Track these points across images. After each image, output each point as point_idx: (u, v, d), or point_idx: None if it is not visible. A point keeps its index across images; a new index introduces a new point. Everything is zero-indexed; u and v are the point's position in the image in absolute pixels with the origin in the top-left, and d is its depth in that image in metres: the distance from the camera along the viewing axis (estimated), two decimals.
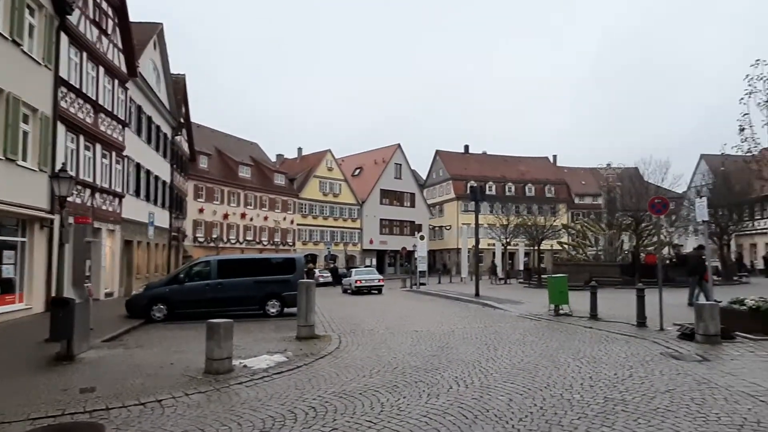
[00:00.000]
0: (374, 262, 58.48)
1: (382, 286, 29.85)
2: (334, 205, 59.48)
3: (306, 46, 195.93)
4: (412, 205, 65.31)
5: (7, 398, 6.41)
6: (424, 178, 74.48)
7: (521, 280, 35.02)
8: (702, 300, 12.89)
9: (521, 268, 42.91)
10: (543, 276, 29.97)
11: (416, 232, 50.13)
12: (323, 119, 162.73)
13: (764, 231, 36.92)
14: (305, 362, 8.58)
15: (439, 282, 38.38)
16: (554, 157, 76.89)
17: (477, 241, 24.66)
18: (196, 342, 10.54)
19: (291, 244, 54.85)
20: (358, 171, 66.22)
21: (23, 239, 15.15)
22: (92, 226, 13.10)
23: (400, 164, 64.77)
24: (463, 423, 5.33)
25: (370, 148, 68.87)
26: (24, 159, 14.83)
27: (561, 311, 14.64)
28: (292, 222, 55.83)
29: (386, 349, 9.83)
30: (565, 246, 37.77)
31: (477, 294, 22.19)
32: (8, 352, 9.62)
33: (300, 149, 67.50)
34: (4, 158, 13.59)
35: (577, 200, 70.61)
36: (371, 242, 61.51)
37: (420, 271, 34.80)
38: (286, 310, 16.39)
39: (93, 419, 5.61)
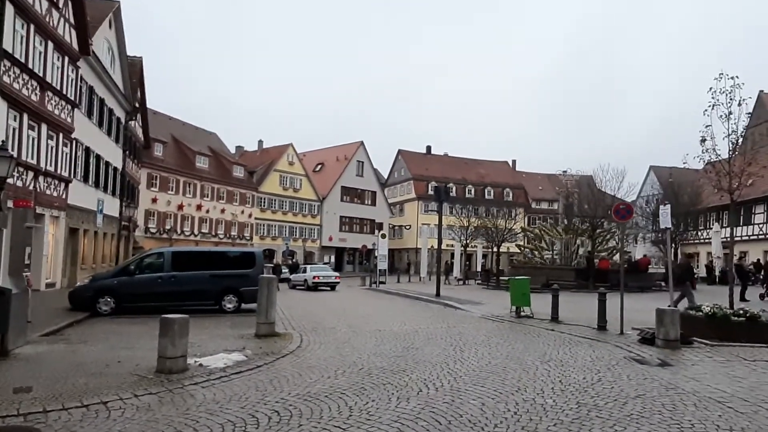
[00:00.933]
0: (333, 259, 57.91)
1: (338, 283, 30.27)
2: (294, 200, 58.49)
3: (272, 36, 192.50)
4: (373, 204, 65.03)
5: None
6: (386, 176, 74.37)
7: (479, 281, 35.35)
8: (684, 305, 13.27)
9: (479, 269, 43.39)
10: (502, 278, 30.32)
11: (376, 231, 49.91)
12: (286, 113, 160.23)
13: (707, 241, 38.76)
14: (266, 361, 8.13)
15: (398, 281, 38.30)
16: (513, 161, 78.36)
17: (440, 241, 24.62)
18: (147, 338, 9.91)
19: (248, 238, 53.54)
20: (319, 167, 65.42)
21: None
22: (34, 211, 12.13)
23: (363, 162, 64.35)
24: (437, 429, 5.07)
25: (332, 144, 68.19)
26: None
27: (522, 313, 14.69)
28: (250, 216, 54.53)
29: (350, 349, 9.49)
30: (523, 249, 38.40)
31: (438, 294, 22.13)
32: None
33: (261, 142, 66.08)
34: None
35: (534, 205, 72.25)
36: (330, 239, 60.87)
37: (380, 270, 34.65)
38: (243, 306, 15.81)
39: (27, 423, 5.03)
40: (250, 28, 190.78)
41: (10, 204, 11.99)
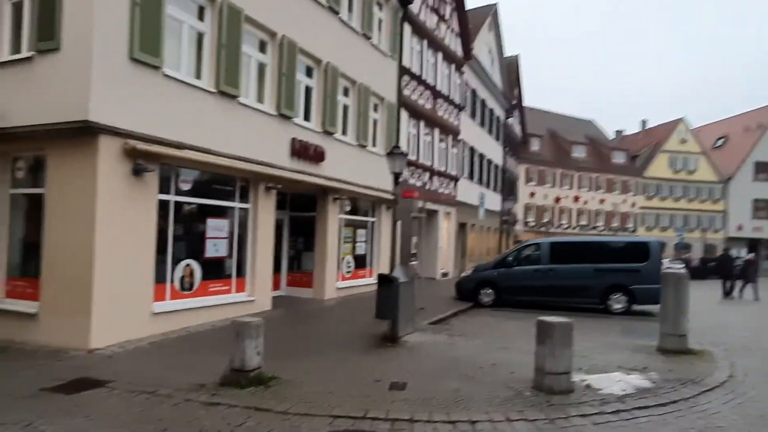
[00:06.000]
0: (744, 252, 46.02)
1: None
2: (688, 183, 49.36)
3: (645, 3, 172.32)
4: None
5: (325, 379, 6.05)
6: None
7: None
8: None
9: None
10: None
11: None
12: (671, 87, 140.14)
13: None
14: (682, 396, 5.79)
15: None
16: None
17: None
18: (524, 338, 8.87)
19: (632, 229, 48.27)
20: (721, 141, 53.32)
21: (373, 219, 16.56)
22: (420, 203, 12.95)
23: None
24: None
25: (737, 112, 54.52)
26: (374, 145, 16.08)
27: None
28: (633, 205, 49.06)
29: None
30: None
31: None
32: (347, 327, 9.96)
33: (644, 122, 58.75)
34: (356, 144, 14.88)
35: None
36: (739, 228, 48.63)
37: None
38: (634, 306, 13.28)
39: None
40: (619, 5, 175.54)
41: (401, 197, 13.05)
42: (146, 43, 8.07)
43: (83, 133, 7.50)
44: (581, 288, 13.55)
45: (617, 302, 13.43)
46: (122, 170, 7.84)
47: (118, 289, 7.73)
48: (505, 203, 33.78)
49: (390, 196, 16.25)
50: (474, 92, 26.58)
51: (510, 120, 35.04)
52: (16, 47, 8.41)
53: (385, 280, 8.33)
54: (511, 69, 34.34)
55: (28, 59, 8.00)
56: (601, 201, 47.70)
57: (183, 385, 5.66)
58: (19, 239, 8.58)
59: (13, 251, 8.57)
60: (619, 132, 59.89)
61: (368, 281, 15.57)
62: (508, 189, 34.76)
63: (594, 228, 46.99)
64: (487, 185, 29.16)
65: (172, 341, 8.02)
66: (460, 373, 6.45)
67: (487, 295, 14.35)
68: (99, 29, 7.44)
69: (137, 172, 7.97)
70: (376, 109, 16.29)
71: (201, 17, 9.49)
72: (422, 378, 6.19)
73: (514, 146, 37.97)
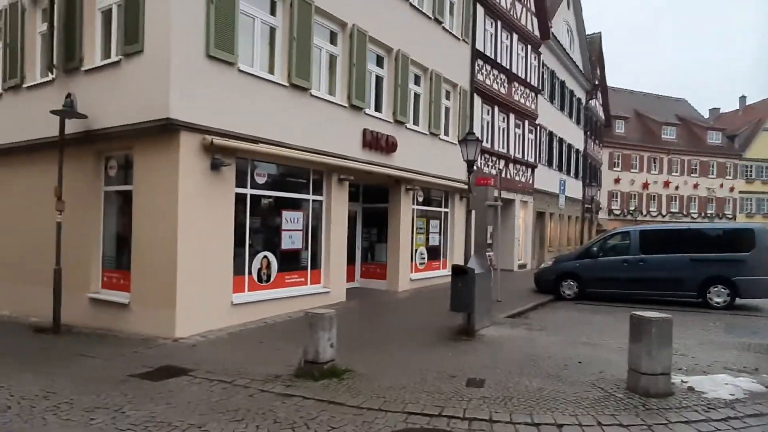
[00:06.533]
0: None
1: None
2: None
3: None
4: None
5: (399, 373, 5.89)
6: None
7: None
8: None
9: None
10: None
11: None
12: None
13: None
14: None
15: None
16: None
17: None
18: (612, 333, 8.30)
19: (730, 216, 44.26)
20: None
21: (446, 209, 16.21)
22: (498, 191, 12.44)
23: None
24: None
25: None
26: (446, 133, 15.70)
27: None
28: (731, 189, 44.95)
29: None
30: None
31: None
32: (422, 319, 9.77)
33: (743, 98, 53.56)
34: (429, 133, 14.58)
35: None
36: None
37: None
38: (738, 301, 12.06)
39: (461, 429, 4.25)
40: None
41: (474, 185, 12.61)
42: (221, 40, 8.26)
43: (165, 131, 7.81)
44: (676, 280, 12.47)
45: (717, 295, 12.23)
46: (201, 165, 8.10)
47: (200, 281, 8.01)
48: (587, 190, 32.03)
49: (463, 186, 15.82)
50: (552, 74, 25.29)
51: (592, 102, 33.10)
52: (106, 53, 8.92)
53: (459, 272, 8.03)
54: (592, 47, 32.36)
55: (116, 63, 8.45)
56: (695, 186, 44.13)
57: (259, 376, 5.73)
58: (112, 234, 9.15)
59: (107, 245, 9.16)
60: (714, 110, 54.96)
61: (442, 273, 15.29)
62: (590, 175, 32.93)
63: (686, 215, 43.59)
64: (567, 172, 27.75)
65: (250, 332, 8.22)
66: (542, 371, 6.05)
67: (569, 287, 13.59)
68: (176, 29, 7.68)
69: (215, 166, 8.20)
70: (448, 96, 15.88)
71: (273, 12, 9.59)
72: (501, 374, 5.86)
73: (597, 129, 35.88)
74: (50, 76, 9.57)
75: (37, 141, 9.63)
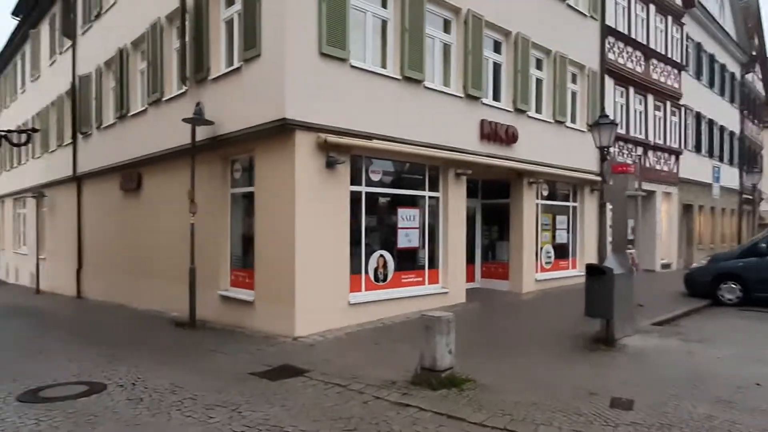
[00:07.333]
0: None
1: None
2: None
3: None
4: None
5: (527, 387, 5.23)
6: None
7: None
8: None
9: None
10: None
11: None
12: None
13: None
14: None
15: None
16: None
17: None
18: None
19: None
20: None
21: (574, 204, 14.87)
22: (638, 180, 10.99)
23: None
24: None
25: None
26: (572, 121, 14.41)
27: None
28: None
29: None
30: None
31: None
32: (550, 324, 8.89)
33: None
34: (553, 121, 13.46)
35: None
36: None
37: None
38: None
39: None
40: None
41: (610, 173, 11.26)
42: (333, 37, 8.18)
43: (281, 131, 7.91)
44: None
45: None
46: (316, 164, 8.09)
47: (318, 280, 8.00)
48: (746, 178, 27.75)
49: (595, 177, 14.37)
50: (699, 46, 22.23)
51: (748, 76, 28.66)
52: (229, 61, 9.34)
53: (596, 272, 7.07)
54: (747, 13, 28.00)
55: (237, 69, 8.79)
56: None
57: (374, 381, 5.44)
58: (238, 234, 9.55)
59: (234, 245, 9.58)
60: None
61: (571, 273, 14.03)
62: (748, 160, 28.54)
63: None
64: (720, 158, 24.24)
65: (367, 332, 8.03)
66: (708, 393, 4.98)
67: (729, 290, 11.60)
68: (290, 29, 7.74)
69: (330, 164, 8.14)
70: (574, 79, 14.54)
71: (384, 4, 9.34)
72: (653, 395, 4.93)
73: (756, 108, 31.02)
74: (183, 88, 10.27)
75: (173, 149, 10.40)
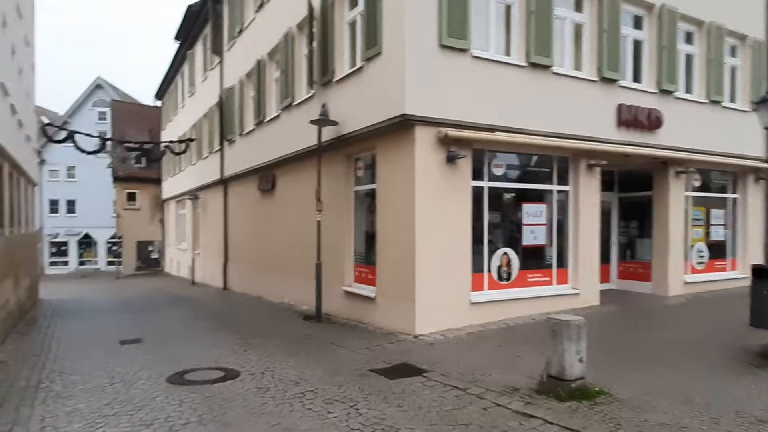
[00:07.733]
0: None
1: None
2: None
3: None
4: None
5: (674, 406, 4.56)
6: None
7: None
8: None
9: None
10: None
11: None
12: None
13: None
14: None
15: None
16: None
17: None
18: None
19: None
20: None
21: (734, 195, 12.90)
22: None
23: None
24: None
25: None
26: (732, 100, 12.53)
27: None
28: None
29: None
30: None
31: None
32: (703, 334, 7.77)
33: None
34: (707, 101, 11.81)
35: None
36: None
37: None
38: None
39: None
40: None
41: None
42: (454, 28, 7.95)
43: (401, 127, 7.88)
44: None
45: None
46: (436, 159, 7.93)
47: (439, 278, 7.84)
48: None
49: (761, 164, 12.35)
50: None
51: None
52: (352, 62, 9.56)
53: (765, 274, 5.98)
54: None
55: (359, 69, 8.95)
56: None
57: (495, 386, 5.14)
58: (361, 231, 9.75)
59: (357, 242, 9.80)
60: None
61: (731, 275, 12.20)
62: None
63: None
64: None
65: (489, 333, 7.69)
66: None
67: None
68: (409, 23, 7.66)
69: (450, 159, 7.94)
70: (734, 52, 12.62)
71: None
72: None
73: None
74: (311, 92, 10.75)
75: (302, 150, 10.95)
